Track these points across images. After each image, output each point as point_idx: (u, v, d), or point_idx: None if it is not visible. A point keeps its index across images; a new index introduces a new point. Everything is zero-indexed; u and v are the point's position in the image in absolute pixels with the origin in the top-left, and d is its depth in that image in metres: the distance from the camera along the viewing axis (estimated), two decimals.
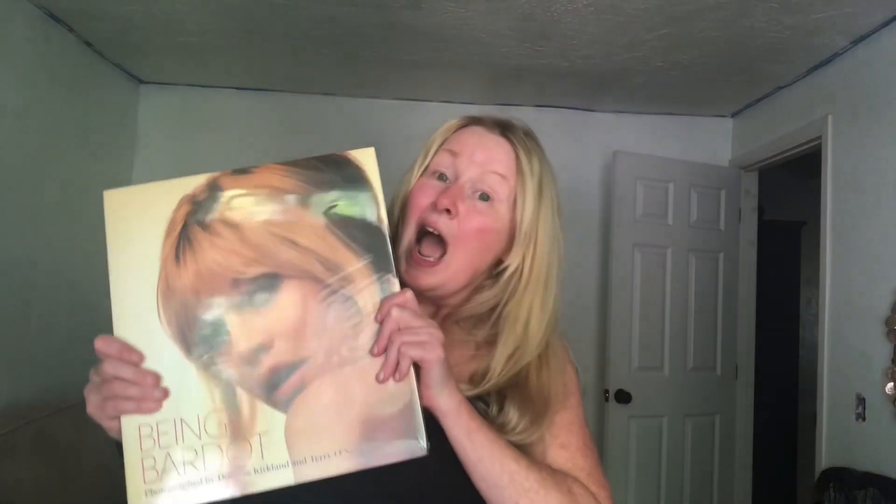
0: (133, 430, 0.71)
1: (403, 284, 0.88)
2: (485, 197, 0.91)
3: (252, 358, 0.72)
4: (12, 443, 2.14)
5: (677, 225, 3.39)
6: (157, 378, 0.71)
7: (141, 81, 3.44)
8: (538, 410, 0.88)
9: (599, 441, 3.41)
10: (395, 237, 0.90)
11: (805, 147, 3.01)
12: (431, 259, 0.89)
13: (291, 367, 0.73)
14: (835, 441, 2.63)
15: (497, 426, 0.84)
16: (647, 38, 2.63)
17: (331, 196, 0.76)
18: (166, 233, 0.74)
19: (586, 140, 3.59)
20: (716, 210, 3.49)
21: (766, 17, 2.38)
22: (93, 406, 0.72)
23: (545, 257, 0.93)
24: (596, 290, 3.56)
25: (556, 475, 0.85)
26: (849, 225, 2.62)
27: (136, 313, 0.73)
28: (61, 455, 2.31)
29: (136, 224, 0.74)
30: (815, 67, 2.85)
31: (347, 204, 0.76)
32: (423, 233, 0.90)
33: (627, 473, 3.24)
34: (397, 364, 0.73)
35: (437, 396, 0.76)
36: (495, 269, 0.94)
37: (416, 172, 0.94)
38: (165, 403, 0.71)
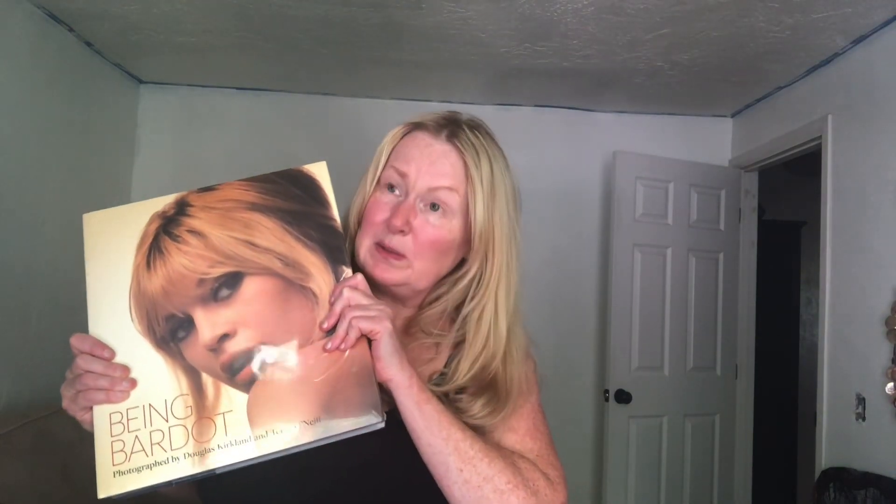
0: (104, 419, 0.76)
1: (382, 291, 0.93)
2: (436, 207, 0.93)
3: (216, 346, 0.79)
4: (12, 443, 2.14)
5: (677, 225, 3.39)
6: (126, 370, 0.77)
7: (141, 81, 3.44)
8: (501, 399, 0.91)
9: (599, 441, 3.41)
10: (352, 247, 0.95)
11: (805, 147, 3.01)
12: (395, 255, 0.92)
13: (253, 351, 0.79)
14: (835, 441, 2.63)
15: (454, 409, 0.88)
16: (647, 38, 2.63)
17: (287, 202, 0.85)
18: (139, 244, 0.82)
19: (586, 140, 3.59)
20: (716, 210, 3.49)
21: (766, 17, 2.38)
22: (67, 400, 0.78)
23: (504, 256, 0.95)
24: (596, 290, 3.56)
25: (501, 449, 0.89)
26: (849, 225, 2.62)
27: (109, 314, 0.80)
28: (61, 455, 2.31)
29: (112, 240, 0.82)
30: (815, 67, 2.85)
31: (303, 207, 0.85)
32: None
33: (627, 473, 3.24)
34: (346, 336, 0.78)
35: (387, 368, 0.79)
36: (457, 272, 0.97)
37: (370, 186, 0.96)
38: (134, 392, 0.77)
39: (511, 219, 0.96)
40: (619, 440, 3.22)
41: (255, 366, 0.78)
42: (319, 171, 0.87)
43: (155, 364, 0.78)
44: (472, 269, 0.95)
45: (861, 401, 2.47)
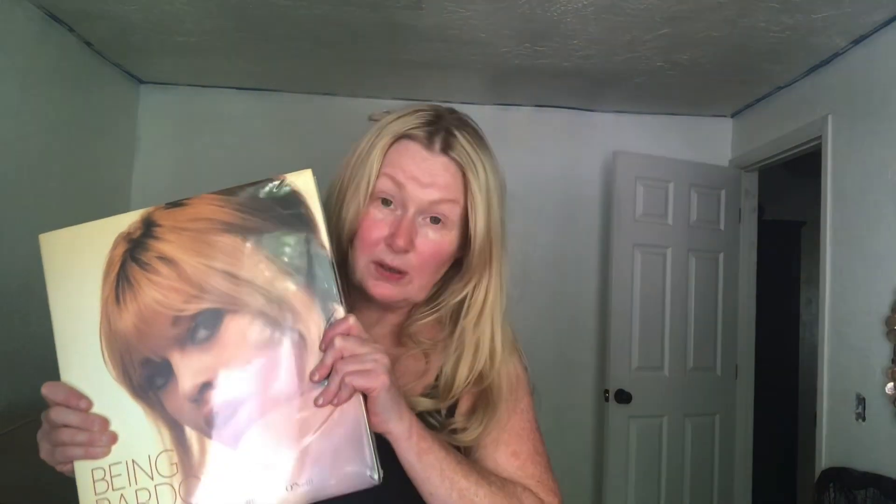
0: (86, 475, 0.72)
1: (369, 298, 0.89)
2: (436, 220, 0.89)
3: (197, 396, 0.72)
4: (12, 443, 2.14)
5: (677, 225, 3.39)
6: (104, 422, 0.72)
7: (141, 81, 3.44)
8: (492, 402, 0.90)
9: (599, 441, 3.41)
10: (345, 263, 0.89)
11: (805, 147, 3.01)
12: (397, 273, 0.88)
13: (237, 402, 0.72)
14: (835, 441, 2.63)
15: (447, 433, 0.86)
16: (647, 38, 2.63)
17: (268, 224, 0.75)
18: (104, 273, 0.74)
19: (586, 140, 3.59)
20: (716, 210, 3.49)
21: (766, 17, 2.38)
22: (45, 452, 0.73)
23: (498, 262, 0.93)
24: (596, 290, 3.55)
25: (506, 487, 0.87)
26: (849, 225, 2.62)
27: (81, 357, 0.73)
28: None
29: (75, 266, 0.74)
30: (815, 67, 2.85)
31: (286, 231, 0.75)
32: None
33: (627, 473, 3.24)
34: (338, 392, 0.73)
35: (386, 422, 0.75)
36: (451, 279, 0.95)
37: (364, 197, 0.88)
38: (115, 447, 0.72)
39: (504, 223, 0.94)
40: (619, 440, 3.22)
41: (240, 419, 0.72)
42: (304, 185, 0.75)
43: (135, 415, 0.72)
44: (473, 280, 0.92)
45: (861, 401, 2.47)
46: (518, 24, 2.54)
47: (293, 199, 0.75)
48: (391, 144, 0.89)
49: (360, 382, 0.73)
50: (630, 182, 3.29)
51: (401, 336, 0.95)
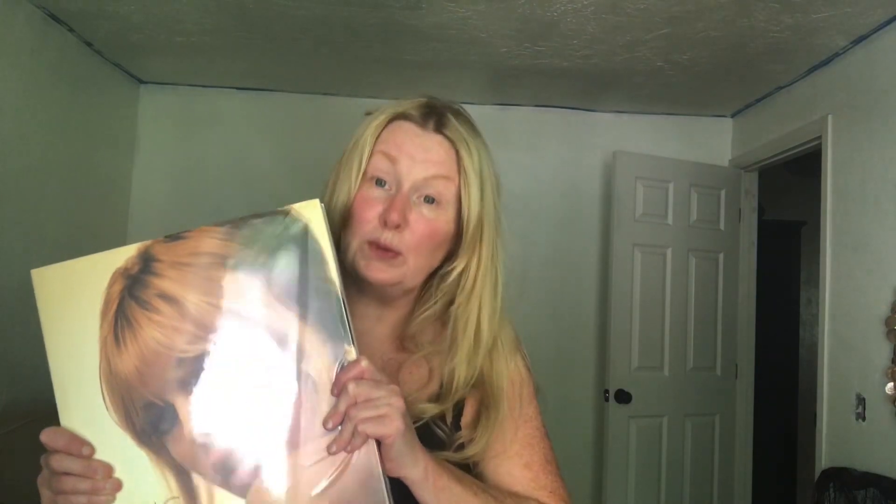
0: None
1: (365, 291, 0.88)
2: (430, 199, 0.87)
3: (204, 441, 0.69)
4: (12, 443, 2.15)
5: (677, 225, 3.39)
6: (108, 469, 0.69)
7: (141, 81, 3.44)
8: (491, 407, 0.88)
9: (599, 441, 3.41)
10: (339, 246, 0.86)
11: (805, 147, 3.01)
12: (391, 253, 0.86)
13: (246, 449, 0.69)
14: (835, 441, 2.63)
15: (456, 449, 0.86)
16: (647, 38, 2.63)
17: (275, 259, 0.70)
18: (102, 312, 0.70)
19: (586, 140, 3.59)
20: (716, 210, 3.49)
21: (766, 17, 2.38)
22: (46, 500, 0.70)
23: (490, 247, 0.91)
24: (596, 290, 3.55)
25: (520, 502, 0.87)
26: (849, 225, 2.62)
27: (81, 401, 0.70)
28: None
29: (71, 304, 0.71)
30: (815, 67, 2.85)
31: (294, 266, 0.70)
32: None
33: (627, 473, 3.24)
34: (351, 440, 0.70)
35: (401, 468, 0.73)
36: (443, 269, 0.92)
37: (355, 178, 0.87)
38: (119, 495, 0.69)
39: (497, 210, 0.92)
40: (619, 440, 3.22)
41: (248, 467, 0.69)
42: (313, 216, 0.71)
43: (139, 462, 0.69)
44: (461, 264, 0.90)
45: (861, 401, 2.47)
46: (518, 24, 2.54)
47: (300, 232, 0.71)
48: (385, 125, 0.90)
49: (374, 430, 0.70)
50: (630, 182, 3.29)
51: (403, 339, 0.93)
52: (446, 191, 0.88)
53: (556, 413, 3.57)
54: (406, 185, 0.86)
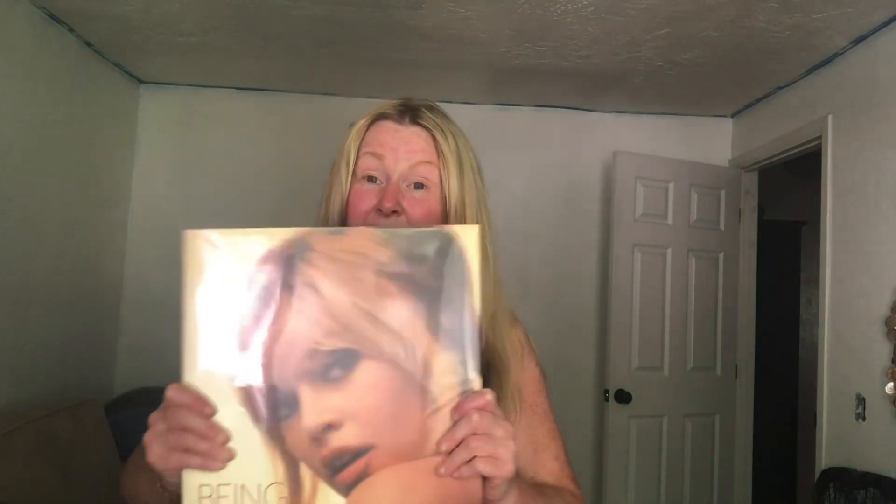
0: (193, 489, 0.69)
1: None
2: (419, 185, 0.93)
3: (319, 435, 0.70)
4: (12, 443, 2.14)
5: (677, 225, 3.39)
6: (227, 436, 0.69)
7: (141, 81, 3.44)
8: (503, 372, 0.91)
9: (599, 441, 3.41)
10: None
11: (805, 147, 3.01)
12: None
13: (358, 451, 0.70)
14: (835, 441, 2.63)
15: None
16: (647, 38, 2.63)
17: (424, 275, 0.71)
18: (247, 286, 0.70)
19: (586, 140, 3.59)
20: (716, 210, 3.49)
21: (766, 17, 2.38)
22: (156, 456, 0.69)
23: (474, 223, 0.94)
24: (596, 290, 3.56)
25: None
26: (849, 225, 2.62)
27: (207, 368, 0.70)
28: (61, 455, 2.31)
29: (217, 271, 0.70)
30: (815, 67, 2.85)
31: (440, 284, 0.71)
32: None
33: (627, 473, 3.24)
34: (460, 469, 0.71)
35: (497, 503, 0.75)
36: None
37: (345, 180, 0.94)
38: (230, 465, 0.69)
39: (480, 189, 0.97)
40: (619, 440, 3.22)
41: (356, 469, 0.69)
42: (469, 241, 0.71)
43: (252, 440, 0.69)
44: None
45: (861, 401, 2.47)
46: (518, 24, 2.54)
47: (455, 255, 0.71)
48: (367, 128, 0.96)
49: (489, 470, 0.70)
50: (630, 182, 3.29)
51: None
52: (431, 174, 0.93)
53: (555, 413, 3.57)
54: (395, 177, 0.92)
